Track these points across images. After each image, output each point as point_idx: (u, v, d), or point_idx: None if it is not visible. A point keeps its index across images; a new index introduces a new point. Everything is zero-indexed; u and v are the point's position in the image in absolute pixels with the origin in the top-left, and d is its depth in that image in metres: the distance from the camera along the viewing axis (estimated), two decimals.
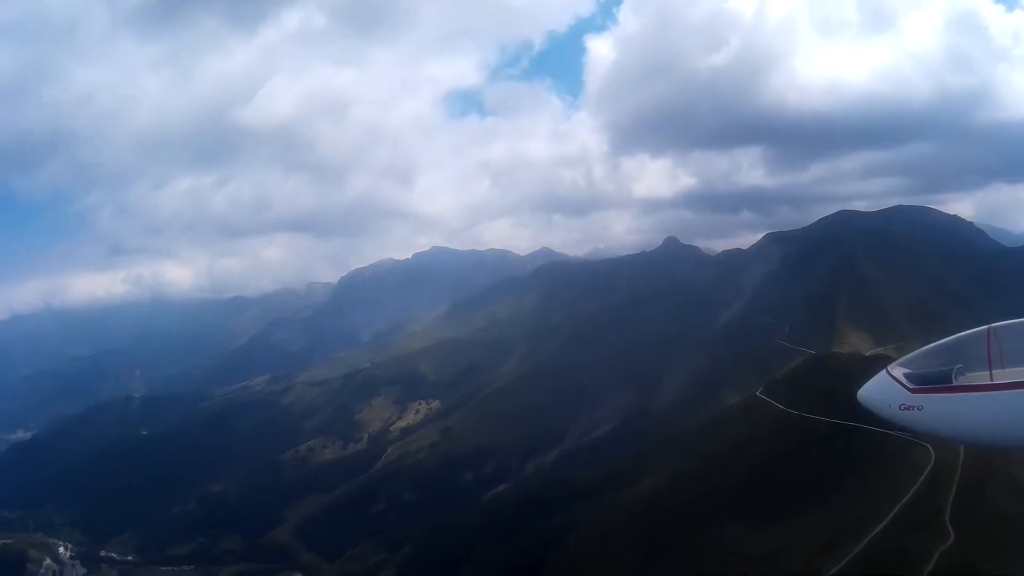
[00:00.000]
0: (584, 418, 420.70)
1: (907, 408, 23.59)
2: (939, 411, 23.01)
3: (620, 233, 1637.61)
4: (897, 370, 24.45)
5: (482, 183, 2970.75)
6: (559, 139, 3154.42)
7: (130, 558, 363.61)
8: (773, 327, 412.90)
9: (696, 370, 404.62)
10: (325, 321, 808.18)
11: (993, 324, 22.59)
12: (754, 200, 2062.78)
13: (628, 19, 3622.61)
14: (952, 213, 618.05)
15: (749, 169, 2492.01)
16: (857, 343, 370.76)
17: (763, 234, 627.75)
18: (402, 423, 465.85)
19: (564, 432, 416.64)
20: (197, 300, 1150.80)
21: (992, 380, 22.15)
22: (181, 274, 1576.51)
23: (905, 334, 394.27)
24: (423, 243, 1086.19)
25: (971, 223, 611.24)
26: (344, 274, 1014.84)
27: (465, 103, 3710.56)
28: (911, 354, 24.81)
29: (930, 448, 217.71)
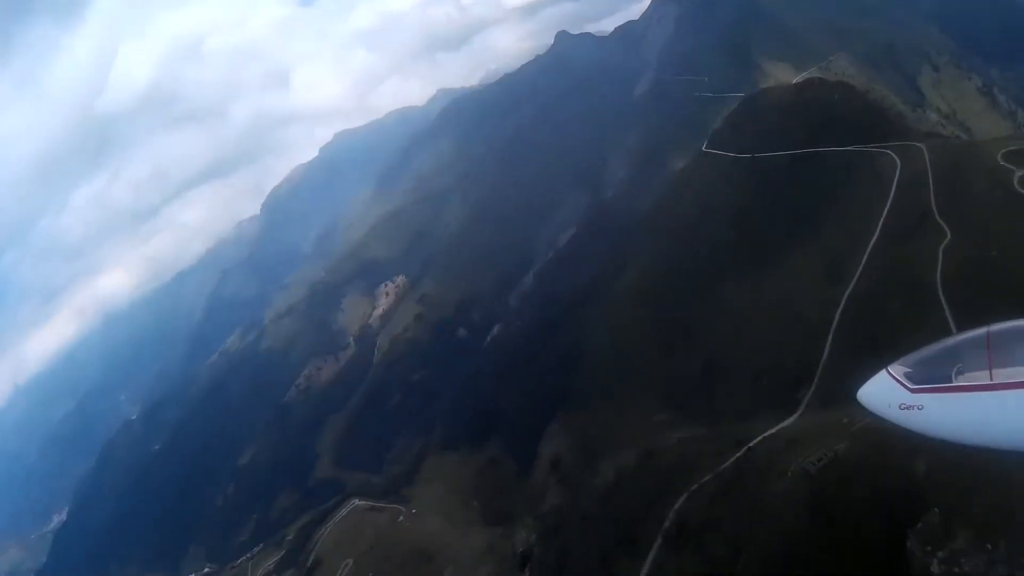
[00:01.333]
0: (542, 234, 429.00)
1: (907, 408, 23.71)
2: (939, 411, 23.09)
3: (508, 47, 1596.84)
4: (897, 369, 24.64)
5: (358, 53, 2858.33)
6: None
7: (207, 570, 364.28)
8: (692, 84, 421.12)
9: (633, 148, 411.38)
10: (266, 252, 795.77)
11: (993, 325, 22.92)
12: None
13: None
14: None
15: None
16: (781, 75, 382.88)
17: (646, 3, 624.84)
18: (379, 312, 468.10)
19: (530, 254, 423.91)
20: (145, 296, 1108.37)
21: (992, 380, 22.23)
22: (117, 280, 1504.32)
23: (823, 53, 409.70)
24: (324, 135, 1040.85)
25: None
26: (264, 199, 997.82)
27: None
28: (911, 354, 24.87)
29: (894, 155, 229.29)
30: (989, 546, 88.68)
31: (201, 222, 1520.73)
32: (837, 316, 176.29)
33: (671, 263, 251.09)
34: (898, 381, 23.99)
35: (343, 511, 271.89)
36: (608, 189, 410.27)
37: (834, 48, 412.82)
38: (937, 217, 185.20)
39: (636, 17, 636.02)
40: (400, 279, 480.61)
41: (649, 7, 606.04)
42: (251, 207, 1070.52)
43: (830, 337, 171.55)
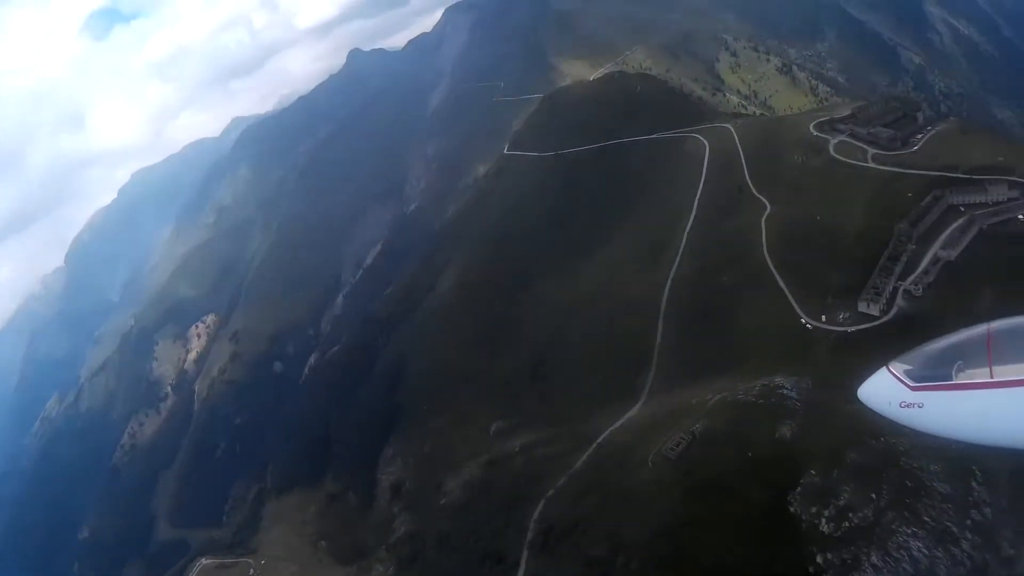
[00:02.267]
0: (349, 254, 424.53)
1: (907, 405, 23.69)
2: (940, 408, 23.22)
3: (302, 69, 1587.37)
4: (897, 367, 24.49)
5: (152, 87, 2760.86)
6: (209, 5, 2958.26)
7: None
8: (489, 90, 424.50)
9: (434, 159, 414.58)
10: (74, 305, 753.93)
11: (993, 322, 22.87)
12: None
13: None
14: None
15: None
16: (578, 72, 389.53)
17: (442, 10, 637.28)
18: (193, 355, 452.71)
19: (338, 277, 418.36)
20: None
21: (992, 377, 22.27)
22: None
23: (620, 48, 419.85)
24: (123, 175, 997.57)
25: None
26: (67, 249, 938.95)
27: (106, 19, 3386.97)
28: (911, 351, 24.67)
29: (701, 137, 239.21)
30: (873, 495, 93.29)
31: (4, 281, 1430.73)
32: (665, 296, 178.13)
33: (484, 267, 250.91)
34: (898, 379, 24.05)
35: (191, 574, 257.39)
36: (411, 202, 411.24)
37: (631, 42, 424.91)
38: (753, 190, 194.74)
39: (429, 29, 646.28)
40: (210, 318, 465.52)
41: (442, 17, 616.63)
42: (55, 259, 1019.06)
43: (661, 318, 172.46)
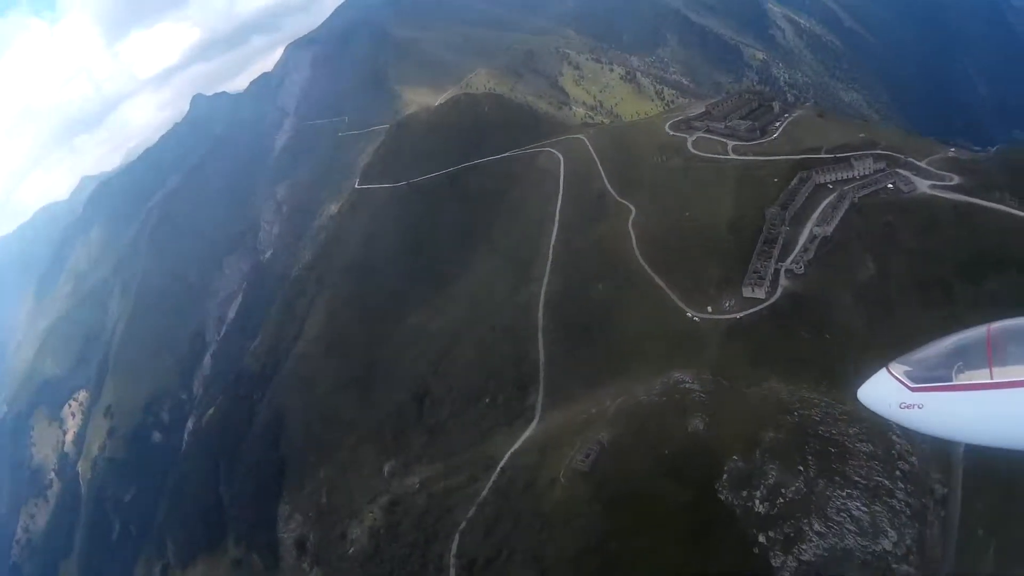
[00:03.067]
0: (210, 310, 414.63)
1: (907, 407, 23.70)
2: (939, 410, 23.21)
3: (147, 120, 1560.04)
4: (897, 368, 24.48)
5: None
6: (50, 59, 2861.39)
7: None
8: (333, 125, 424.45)
9: (284, 201, 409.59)
10: None
11: (993, 323, 22.83)
12: (261, 22, 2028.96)
13: None
14: None
15: None
16: (423, 99, 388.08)
17: (283, 48, 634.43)
18: (70, 436, 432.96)
19: (203, 334, 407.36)
20: None
21: (992, 379, 22.17)
22: None
23: (462, 71, 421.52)
24: None
25: None
26: None
27: None
28: (911, 353, 24.58)
29: (555, 151, 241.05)
30: (801, 468, 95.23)
31: None
32: (541, 312, 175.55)
33: (349, 307, 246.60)
34: (898, 380, 24.09)
35: None
36: (267, 248, 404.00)
37: (473, 65, 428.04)
38: (616, 196, 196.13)
39: (271, 68, 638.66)
40: (81, 394, 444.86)
41: (283, 55, 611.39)
42: None
43: (540, 334, 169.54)
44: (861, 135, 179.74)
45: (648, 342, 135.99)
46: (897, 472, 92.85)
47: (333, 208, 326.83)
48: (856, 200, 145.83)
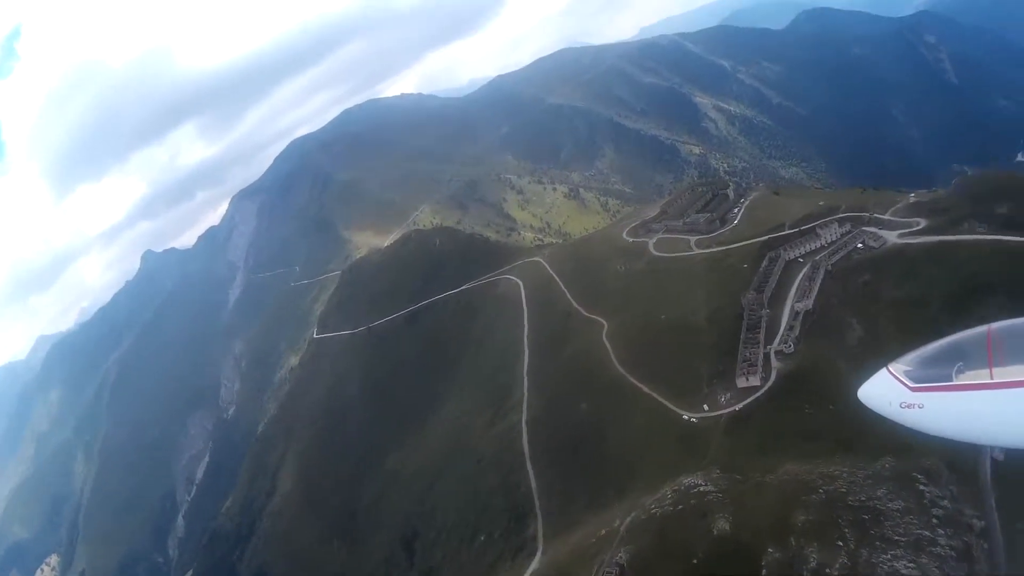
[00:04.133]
0: (178, 470, 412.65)
1: (908, 406, 24.16)
2: (940, 409, 23.65)
3: (99, 278, 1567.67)
4: (897, 368, 25.04)
5: None
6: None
7: None
8: (285, 276, 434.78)
9: (242, 356, 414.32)
10: None
11: (993, 323, 23.31)
12: (205, 176, 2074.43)
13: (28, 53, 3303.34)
14: (398, 93, 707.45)
15: (189, 148, 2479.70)
16: (371, 240, 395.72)
17: (227, 201, 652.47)
18: None
19: (173, 495, 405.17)
20: None
21: (992, 378, 22.63)
22: None
23: (406, 209, 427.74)
24: None
25: (419, 94, 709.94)
26: None
27: None
28: (912, 352, 25.26)
29: (513, 277, 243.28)
30: (839, 543, 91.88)
31: None
32: (526, 439, 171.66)
33: (321, 457, 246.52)
34: (898, 380, 24.71)
35: None
36: (230, 405, 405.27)
37: (417, 201, 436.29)
38: (584, 312, 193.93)
39: (218, 222, 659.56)
40: (53, 559, 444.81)
41: (228, 207, 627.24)
42: None
43: (529, 462, 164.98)
44: (821, 203, 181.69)
45: (647, 453, 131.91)
46: (933, 520, 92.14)
47: (293, 360, 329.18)
48: (830, 268, 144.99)
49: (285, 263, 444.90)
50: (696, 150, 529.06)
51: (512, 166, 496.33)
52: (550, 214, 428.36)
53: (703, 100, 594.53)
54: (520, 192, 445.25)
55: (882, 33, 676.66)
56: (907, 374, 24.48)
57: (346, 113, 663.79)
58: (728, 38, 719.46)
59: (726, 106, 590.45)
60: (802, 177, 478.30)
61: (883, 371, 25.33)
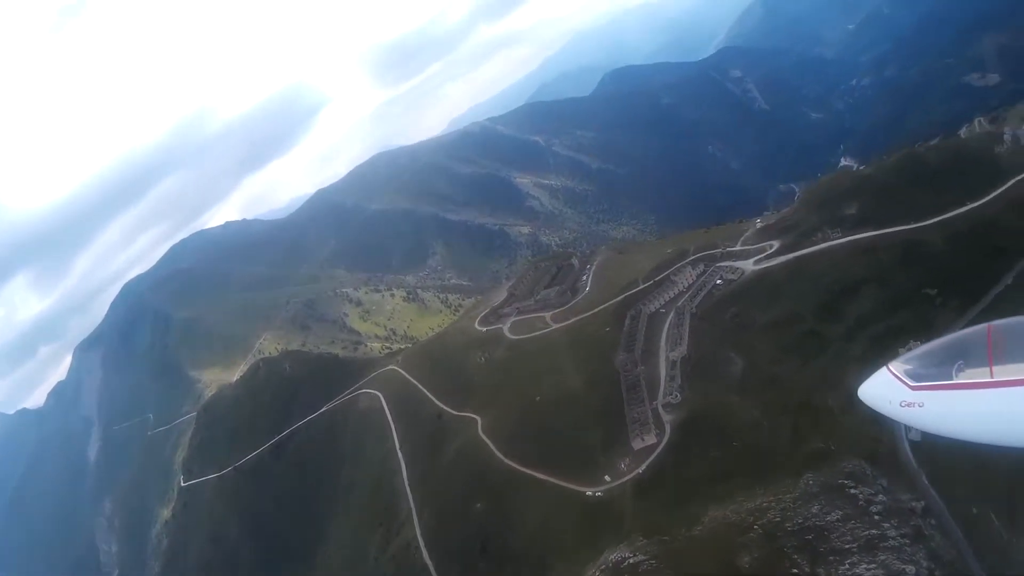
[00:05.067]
0: None
1: (908, 405, 24.13)
2: (940, 408, 23.63)
3: None
4: (898, 367, 24.95)
5: None
6: None
7: None
8: (142, 424, 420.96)
9: (115, 515, 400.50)
10: None
11: (994, 321, 23.23)
12: (43, 330, 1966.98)
13: None
14: (223, 222, 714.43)
15: (23, 302, 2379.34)
16: (218, 377, 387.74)
17: (71, 353, 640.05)
18: None
19: None
20: None
21: (992, 377, 22.49)
22: None
23: (249, 339, 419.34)
24: None
25: (243, 220, 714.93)
26: None
27: None
28: (912, 351, 25.28)
29: (373, 390, 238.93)
30: (795, 570, 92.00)
31: None
32: (425, 553, 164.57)
33: None
34: (899, 378, 24.53)
35: None
36: (112, 569, 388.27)
37: (260, 330, 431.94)
38: (454, 412, 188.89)
39: (64, 376, 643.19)
40: None
41: (72, 360, 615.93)
42: None
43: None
44: (668, 251, 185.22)
45: (562, 538, 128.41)
46: (876, 516, 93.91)
47: (166, 512, 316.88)
48: (695, 310, 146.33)
49: (139, 411, 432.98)
50: (525, 230, 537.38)
51: (347, 279, 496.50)
52: (392, 321, 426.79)
53: (523, 180, 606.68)
54: (359, 304, 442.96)
55: (688, 78, 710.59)
56: (907, 373, 24.34)
57: (174, 249, 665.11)
58: (538, 114, 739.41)
59: (547, 181, 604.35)
60: (634, 235, 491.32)
61: (883, 370, 25.14)
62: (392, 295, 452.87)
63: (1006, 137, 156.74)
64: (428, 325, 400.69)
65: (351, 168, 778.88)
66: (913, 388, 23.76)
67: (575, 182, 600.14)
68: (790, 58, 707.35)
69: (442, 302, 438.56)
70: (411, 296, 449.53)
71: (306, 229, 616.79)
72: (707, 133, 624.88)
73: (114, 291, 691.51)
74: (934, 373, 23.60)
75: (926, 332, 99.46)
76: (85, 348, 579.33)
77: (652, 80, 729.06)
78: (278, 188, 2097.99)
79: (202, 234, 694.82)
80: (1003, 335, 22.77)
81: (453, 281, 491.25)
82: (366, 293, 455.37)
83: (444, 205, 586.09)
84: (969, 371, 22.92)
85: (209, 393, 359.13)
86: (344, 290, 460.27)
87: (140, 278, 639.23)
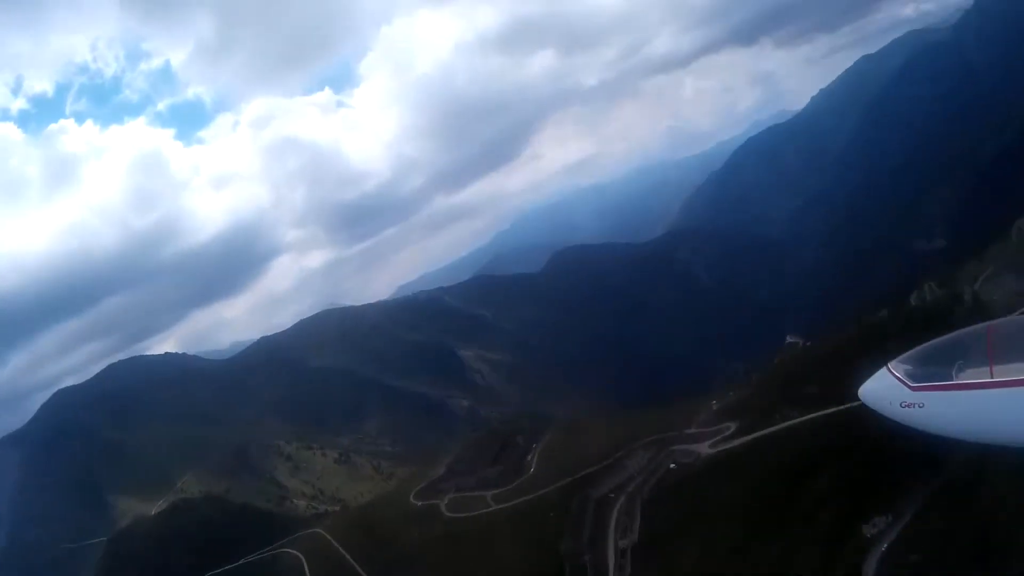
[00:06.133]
0: None
1: (908, 405, 24.43)
2: (940, 408, 23.88)
3: None
4: (898, 367, 25.17)
5: None
6: None
7: None
8: (50, 535, 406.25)
9: None
10: None
11: (993, 321, 24.03)
12: None
13: None
14: (161, 352, 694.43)
15: None
16: (134, 507, 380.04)
17: None
18: None
19: None
20: None
21: (992, 377, 22.71)
22: None
23: (170, 476, 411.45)
24: None
25: (184, 354, 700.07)
26: None
27: None
28: (912, 351, 25.47)
29: (294, 551, 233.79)
30: None
31: None
32: None
33: None
34: (899, 379, 24.63)
35: None
36: None
37: (186, 467, 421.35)
38: None
39: None
40: None
41: None
42: None
43: None
44: (619, 432, 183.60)
45: None
46: None
47: None
48: (645, 495, 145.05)
49: (49, 522, 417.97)
50: (465, 403, 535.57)
51: (280, 431, 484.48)
52: (322, 480, 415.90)
53: (467, 352, 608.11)
54: (289, 458, 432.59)
55: (636, 258, 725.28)
56: (907, 373, 24.67)
57: (112, 368, 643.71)
58: (486, 288, 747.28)
59: (491, 355, 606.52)
60: (581, 414, 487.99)
61: (883, 370, 25.57)
62: (324, 454, 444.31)
63: (966, 297, 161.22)
64: (359, 490, 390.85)
65: (297, 320, 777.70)
66: (913, 388, 24.11)
67: (520, 358, 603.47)
68: (737, 238, 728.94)
69: (375, 468, 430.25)
70: (344, 458, 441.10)
71: (245, 374, 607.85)
72: (654, 312, 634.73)
73: (46, 395, 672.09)
74: (934, 373, 23.97)
75: (891, 509, 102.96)
76: (4, 446, 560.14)
77: (600, 259, 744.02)
78: (221, 329, 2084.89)
79: (142, 359, 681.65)
80: (1003, 334, 23.36)
81: (387, 448, 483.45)
82: (298, 448, 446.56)
83: (386, 370, 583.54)
84: (969, 371, 23.30)
85: (124, 522, 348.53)
86: (277, 442, 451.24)
87: (74, 389, 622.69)
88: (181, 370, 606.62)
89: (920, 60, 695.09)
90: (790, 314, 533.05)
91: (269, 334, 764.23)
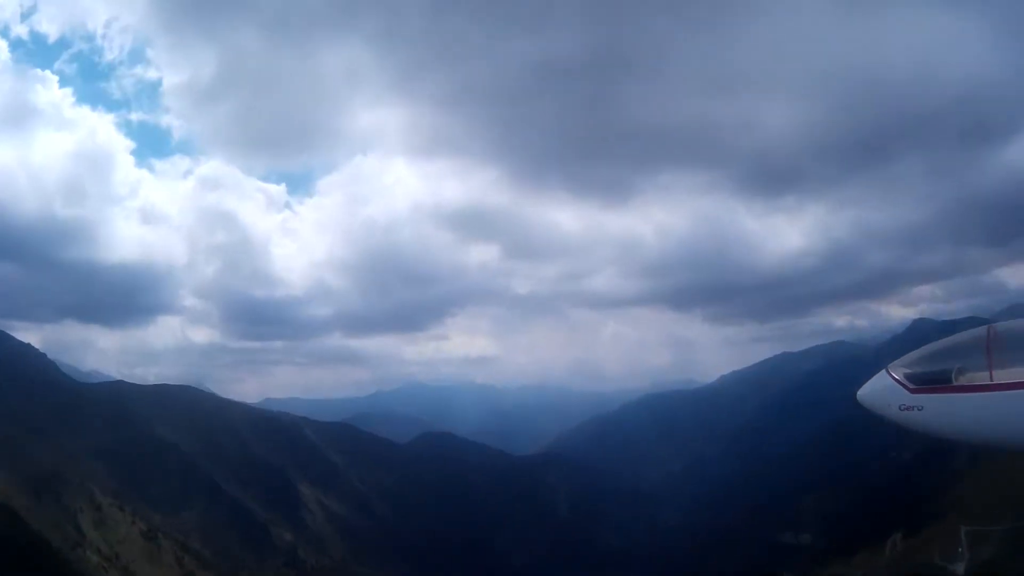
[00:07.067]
0: None
1: (907, 408, 25.85)
2: (939, 411, 25.21)
3: None
4: (897, 370, 26.65)
5: None
6: None
7: None
8: None
9: None
10: None
11: (993, 324, 24.62)
12: None
13: None
14: (26, 342, 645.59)
15: None
16: None
17: None
18: None
19: None
20: None
21: (992, 380, 24.32)
22: None
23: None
24: None
25: (44, 354, 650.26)
26: None
27: None
28: (911, 354, 26.72)
29: None
30: None
31: None
32: None
33: None
34: (898, 382, 27.31)
35: None
36: None
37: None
38: None
39: None
40: None
41: None
42: None
43: None
44: None
45: None
46: None
47: None
48: None
49: None
50: (288, 537, 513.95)
51: (100, 476, 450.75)
52: (122, 546, 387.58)
53: (308, 490, 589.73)
54: (99, 510, 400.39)
55: (502, 467, 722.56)
56: (906, 376, 26.01)
57: None
58: (348, 438, 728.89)
59: (329, 503, 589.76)
60: None
61: (882, 372, 26.92)
62: (133, 522, 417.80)
63: None
64: (153, 571, 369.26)
65: (160, 382, 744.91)
66: (912, 391, 25.43)
67: (358, 518, 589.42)
68: (608, 481, 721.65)
69: (178, 560, 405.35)
70: (151, 535, 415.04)
71: (91, 405, 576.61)
72: (504, 525, 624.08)
73: None
74: (933, 376, 25.37)
75: None
76: None
77: (466, 457, 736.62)
78: (89, 351, 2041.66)
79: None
80: (1002, 338, 24.47)
81: (196, 545, 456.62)
82: (110, 504, 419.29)
83: (224, 471, 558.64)
84: (968, 374, 24.85)
85: None
86: (92, 486, 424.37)
87: None
88: (38, 370, 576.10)
89: (836, 368, 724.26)
90: (640, 570, 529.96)
91: (126, 381, 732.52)
